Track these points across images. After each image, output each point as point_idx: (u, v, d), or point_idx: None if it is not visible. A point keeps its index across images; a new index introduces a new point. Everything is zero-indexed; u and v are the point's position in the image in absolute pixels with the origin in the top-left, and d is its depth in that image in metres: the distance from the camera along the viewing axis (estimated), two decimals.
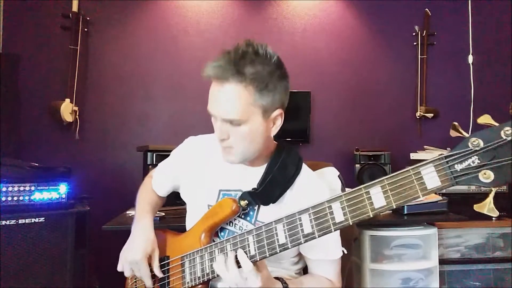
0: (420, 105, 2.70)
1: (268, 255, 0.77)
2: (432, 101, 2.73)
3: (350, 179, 2.39)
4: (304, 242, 0.74)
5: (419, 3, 2.75)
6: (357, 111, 2.72)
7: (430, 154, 2.30)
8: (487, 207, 0.60)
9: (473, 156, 0.59)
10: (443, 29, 2.76)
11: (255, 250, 0.79)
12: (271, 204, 0.91)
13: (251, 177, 0.95)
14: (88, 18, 2.49)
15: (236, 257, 0.79)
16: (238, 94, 0.81)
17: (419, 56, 2.73)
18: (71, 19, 2.40)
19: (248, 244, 0.80)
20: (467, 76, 2.71)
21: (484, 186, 0.59)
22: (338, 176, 1.23)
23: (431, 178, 0.62)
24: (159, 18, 2.59)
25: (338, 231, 0.94)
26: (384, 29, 2.76)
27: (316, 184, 0.97)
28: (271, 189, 0.91)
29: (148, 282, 0.94)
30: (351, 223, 0.69)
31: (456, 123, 0.66)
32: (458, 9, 2.76)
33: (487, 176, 0.58)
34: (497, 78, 2.76)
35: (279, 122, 0.91)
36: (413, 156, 2.45)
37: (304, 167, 0.99)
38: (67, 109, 2.32)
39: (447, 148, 2.43)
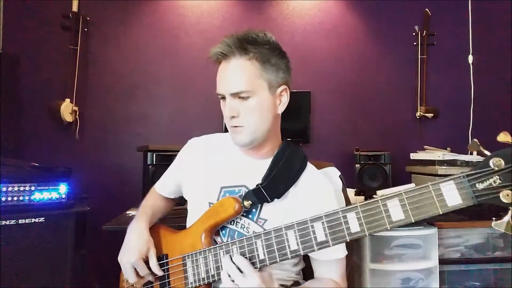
0: (420, 105, 2.70)
1: (278, 260, 0.77)
2: (432, 101, 2.73)
3: (350, 179, 2.40)
4: (317, 250, 0.74)
5: (419, 3, 2.75)
6: (357, 111, 2.72)
7: (430, 154, 2.30)
8: (506, 225, 0.60)
9: (494, 175, 0.60)
10: (443, 29, 2.76)
11: (264, 255, 0.79)
12: (275, 199, 0.91)
13: (255, 171, 0.95)
14: (88, 18, 2.49)
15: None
16: (244, 67, 0.88)
17: (419, 56, 2.73)
18: (71, 19, 2.40)
19: (257, 248, 0.79)
20: (467, 76, 2.71)
21: (505, 206, 0.59)
22: (340, 176, 1.23)
23: (452, 195, 0.62)
24: (159, 18, 2.59)
25: None
26: (384, 29, 2.76)
27: (321, 182, 0.97)
28: (276, 184, 0.91)
29: (151, 279, 0.95)
30: (367, 234, 0.69)
31: (476, 140, 0.66)
32: (458, 9, 2.76)
33: (509, 197, 0.58)
34: (497, 78, 2.76)
35: (285, 99, 0.97)
36: (413, 156, 2.45)
37: (309, 165, 0.99)
38: (67, 109, 2.32)
39: (447, 148, 2.43)
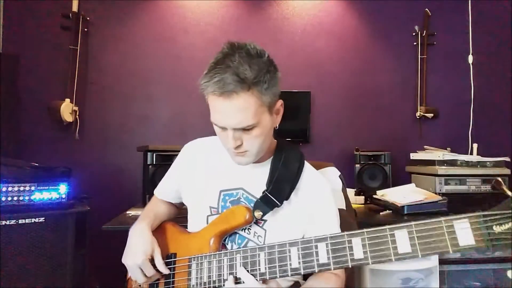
0: (420, 105, 2.70)
1: (278, 276, 0.77)
2: (432, 101, 2.73)
3: (350, 179, 2.40)
4: (318, 271, 0.73)
5: (419, 3, 2.75)
6: (357, 111, 2.72)
7: (430, 154, 2.30)
8: None
9: None
10: (443, 29, 2.76)
11: (265, 269, 0.78)
12: (284, 202, 0.91)
13: (253, 173, 0.96)
14: (88, 18, 2.49)
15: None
16: (247, 103, 0.81)
17: (419, 56, 2.73)
18: (71, 19, 2.40)
19: (259, 261, 0.79)
20: (467, 76, 2.71)
21: None
22: (339, 176, 1.23)
23: (465, 234, 0.59)
24: (159, 18, 2.59)
25: (338, 217, 0.95)
26: (384, 29, 2.76)
27: (319, 184, 0.97)
28: (280, 186, 0.91)
29: (158, 277, 0.95)
30: (370, 263, 0.66)
31: (499, 179, 0.61)
32: (458, 9, 2.76)
33: None
34: (497, 78, 2.76)
35: (281, 111, 0.94)
36: (413, 156, 2.45)
37: (307, 164, 0.99)
38: (67, 109, 2.32)
39: (447, 148, 2.43)
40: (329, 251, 0.71)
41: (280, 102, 0.91)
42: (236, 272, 0.82)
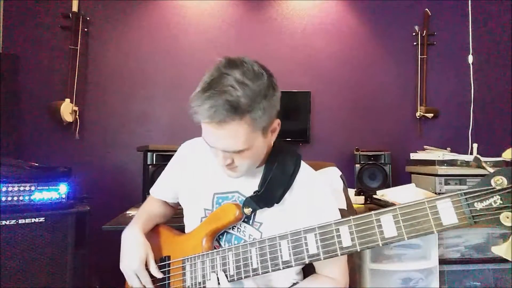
0: (420, 105, 2.70)
1: (270, 270, 0.77)
2: (432, 101, 2.73)
3: (351, 179, 2.40)
4: (308, 262, 0.73)
5: (419, 3, 2.75)
6: (357, 111, 2.72)
7: (430, 154, 2.30)
8: (506, 250, 0.56)
9: (495, 195, 0.55)
10: (443, 29, 2.76)
11: (257, 264, 0.79)
12: (275, 204, 0.90)
13: (248, 177, 0.95)
14: (88, 18, 2.49)
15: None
16: (238, 131, 0.78)
17: (419, 56, 2.73)
18: (71, 19, 2.40)
19: (251, 256, 0.80)
20: (467, 76, 2.71)
21: (504, 230, 0.55)
22: (340, 176, 1.23)
23: (448, 214, 0.59)
24: (159, 18, 2.59)
25: (337, 213, 0.94)
26: (384, 29, 2.76)
27: (316, 185, 0.96)
28: (273, 189, 0.90)
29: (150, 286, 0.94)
30: (359, 250, 0.67)
31: (478, 156, 0.61)
32: (458, 9, 2.76)
33: (509, 219, 0.54)
34: (497, 78, 2.76)
35: (278, 130, 0.90)
36: (413, 156, 2.45)
37: (303, 165, 0.98)
38: (67, 109, 2.32)
39: (447, 148, 2.43)
40: (318, 241, 0.72)
41: (277, 121, 0.87)
42: (228, 269, 0.82)
